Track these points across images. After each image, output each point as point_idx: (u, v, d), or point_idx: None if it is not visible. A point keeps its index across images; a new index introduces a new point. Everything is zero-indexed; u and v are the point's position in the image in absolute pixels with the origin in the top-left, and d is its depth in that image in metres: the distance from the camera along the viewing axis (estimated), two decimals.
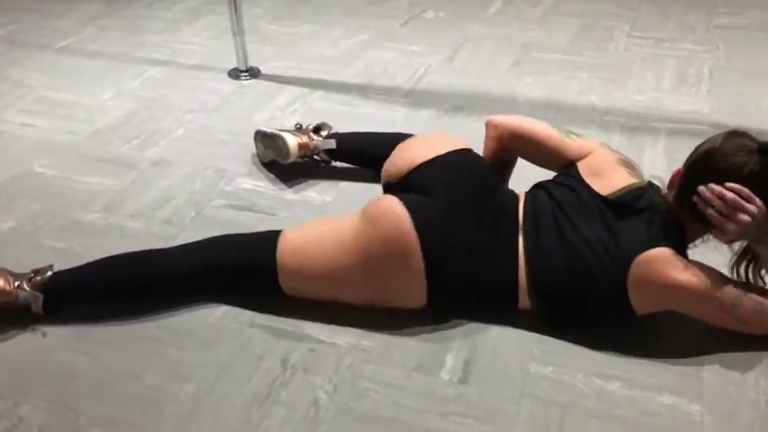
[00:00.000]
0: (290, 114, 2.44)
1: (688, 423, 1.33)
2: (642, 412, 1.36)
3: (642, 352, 1.48)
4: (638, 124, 2.32)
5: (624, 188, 1.53)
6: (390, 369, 1.46)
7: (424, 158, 1.63)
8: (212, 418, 1.37)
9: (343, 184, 2.07)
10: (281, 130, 2.11)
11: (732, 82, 2.57)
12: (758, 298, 1.42)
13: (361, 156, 2.11)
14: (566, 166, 1.64)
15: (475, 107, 2.45)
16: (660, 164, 2.11)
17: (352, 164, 2.14)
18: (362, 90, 2.61)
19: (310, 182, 2.08)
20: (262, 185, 2.08)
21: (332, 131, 2.11)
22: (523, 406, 1.37)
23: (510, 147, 1.74)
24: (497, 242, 1.54)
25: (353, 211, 1.60)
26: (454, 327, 1.56)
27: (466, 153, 1.67)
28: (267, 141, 2.14)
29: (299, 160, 2.08)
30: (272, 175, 2.11)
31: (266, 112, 2.48)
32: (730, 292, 1.41)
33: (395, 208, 1.50)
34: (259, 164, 2.17)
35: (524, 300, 1.53)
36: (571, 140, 1.67)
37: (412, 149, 1.70)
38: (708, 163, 1.42)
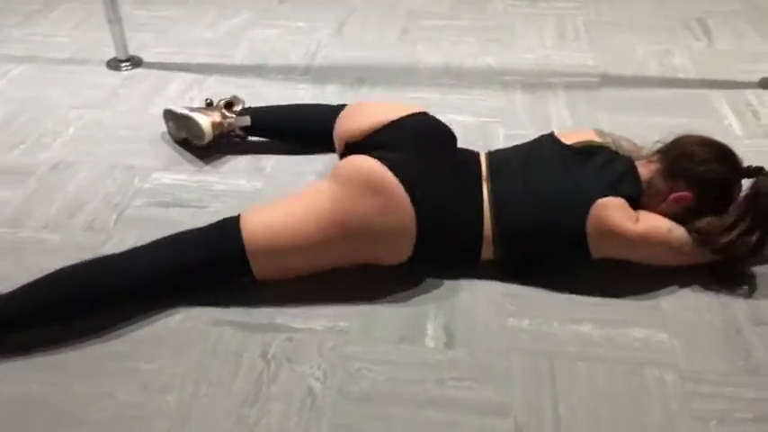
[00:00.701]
0: (189, 102, 2.32)
1: (661, 350, 1.43)
2: (619, 347, 1.44)
3: (602, 292, 1.56)
4: (535, 81, 2.42)
5: (588, 141, 1.61)
6: (374, 346, 1.45)
7: (386, 119, 1.61)
8: (206, 424, 1.30)
9: (269, 168, 2.00)
10: (191, 110, 2.01)
11: (606, 35, 2.73)
12: (692, 236, 1.53)
13: (281, 130, 2.07)
14: None
15: (377, 78, 2.45)
16: (564, 115, 2.22)
17: (269, 138, 2.09)
18: (258, 71, 2.52)
19: (231, 167, 2.00)
20: (182, 178, 1.97)
21: (245, 106, 2.04)
22: (513, 360, 1.41)
23: None
24: (463, 192, 1.56)
25: (316, 183, 1.57)
26: (423, 293, 1.56)
27: (424, 115, 1.67)
28: (179, 122, 2.04)
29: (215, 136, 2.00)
30: (189, 166, 2.00)
31: (161, 101, 2.33)
32: (679, 233, 1.52)
33: (374, 164, 1.49)
34: (173, 156, 2.05)
35: (487, 249, 1.56)
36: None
37: (372, 111, 1.68)
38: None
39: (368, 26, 2.84)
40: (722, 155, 1.57)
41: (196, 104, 2.21)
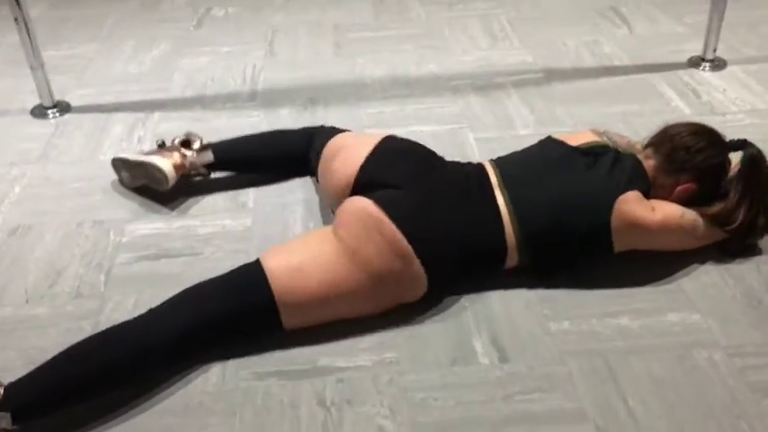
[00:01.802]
0: (138, 144, 2.18)
1: (700, 331, 1.48)
2: (660, 335, 1.48)
3: (625, 284, 1.59)
4: (483, 83, 2.45)
5: (591, 142, 1.64)
6: (430, 372, 1.42)
7: (364, 155, 1.58)
8: None
9: (251, 203, 1.91)
10: (146, 155, 1.89)
11: (533, 30, 2.80)
12: (703, 218, 1.61)
13: (248, 162, 1.99)
14: None
15: (328, 97, 2.39)
16: (524, 112, 2.26)
17: (235, 171, 2.00)
18: (201, 102, 2.41)
19: (209, 207, 1.90)
20: (160, 227, 1.84)
21: (203, 142, 1.94)
22: (570, 364, 1.42)
23: None
24: (477, 207, 1.56)
25: (324, 230, 1.52)
26: (456, 311, 1.54)
27: (394, 139, 1.65)
28: (134, 170, 1.91)
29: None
30: (161, 213, 1.88)
31: (108, 146, 2.18)
32: (691, 217, 1.59)
33: (367, 204, 1.47)
34: (139, 205, 1.91)
35: (512, 257, 1.57)
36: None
37: (344, 154, 1.65)
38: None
39: (298, 44, 2.78)
40: (712, 139, 1.64)
41: (147, 147, 2.08)
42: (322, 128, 1.97)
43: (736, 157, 1.64)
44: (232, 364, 1.45)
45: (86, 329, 1.54)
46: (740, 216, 1.57)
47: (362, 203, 1.49)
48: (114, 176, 2.01)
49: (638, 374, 1.39)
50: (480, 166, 1.66)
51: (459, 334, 1.50)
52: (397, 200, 1.50)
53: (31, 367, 1.33)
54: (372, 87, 2.45)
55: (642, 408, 1.33)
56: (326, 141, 1.79)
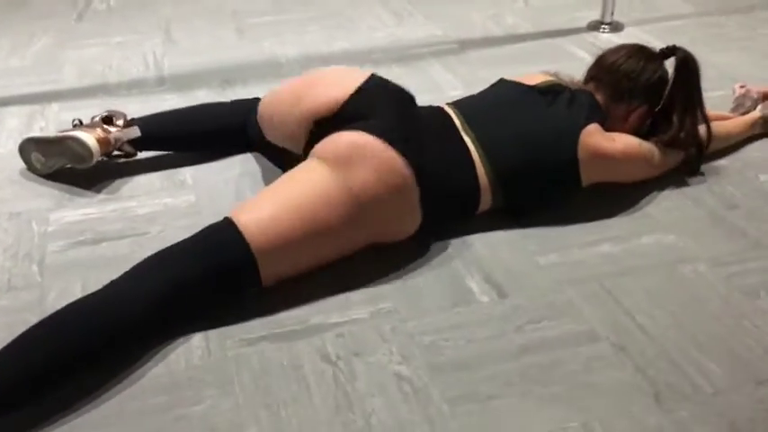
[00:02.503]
0: (42, 133, 1.95)
1: (678, 249, 1.50)
2: (643, 256, 1.49)
3: (596, 216, 1.60)
4: (400, 55, 2.42)
5: (547, 81, 1.63)
6: (433, 316, 1.34)
7: (352, 87, 1.49)
8: None
9: (190, 179, 1.75)
10: (64, 132, 1.69)
11: (435, 8, 2.81)
12: (658, 146, 1.65)
13: (180, 137, 1.82)
14: None
15: (245, 77, 2.27)
16: (449, 77, 2.24)
17: (165, 149, 1.83)
18: (105, 89, 2.21)
19: (143, 188, 1.72)
20: (91, 212, 1.65)
21: (128, 118, 1.77)
22: (568, 292, 1.39)
23: None
24: (449, 147, 1.51)
25: (304, 166, 1.41)
26: (443, 258, 1.48)
27: (376, 77, 1.57)
28: (51, 148, 1.70)
29: (100, 158, 1.70)
30: (87, 199, 1.69)
31: (6, 138, 1.94)
32: (647, 145, 1.62)
33: (363, 136, 1.38)
34: (57, 192, 1.71)
35: (485, 199, 1.53)
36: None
37: (331, 81, 1.54)
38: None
39: (196, 31, 2.63)
40: (647, 55, 1.67)
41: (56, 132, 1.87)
42: (256, 98, 1.85)
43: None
44: (213, 334, 1.30)
45: (31, 320, 1.30)
46: (689, 129, 1.62)
47: (356, 136, 1.38)
48: (21, 166, 1.79)
49: (634, 292, 1.39)
50: (440, 109, 1.61)
51: (450, 278, 1.43)
52: (386, 128, 1.41)
53: None
54: (288, 65, 2.35)
55: (650, 321, 1.32)
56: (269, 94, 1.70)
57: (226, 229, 1.32)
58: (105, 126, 1.71)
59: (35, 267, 1.48)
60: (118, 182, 1.75)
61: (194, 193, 1.71)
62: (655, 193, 1.67)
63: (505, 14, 2.74)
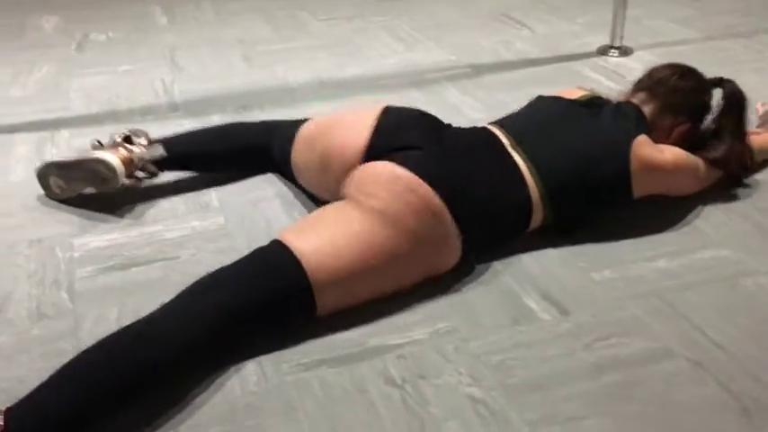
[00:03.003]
0: (62, 157, 1.87)
1: (734, 263, 1.46)
2: (701, 270, 1.44)
3: (645, 232, 1.55)
4: (416, 79, 2.38)
5: (586, 95, 1.61)
6: (495, 334, 1.27)
7: (371, 123, 1.45)
8: None
9: (215, 201, 1.68)
10: (85, 154, 1.62)
11: (441, 35, 2.79)
12: (703, 161, 1.62)
13: (206, 156, 1.76)
14: None
15: (259, 102, 2.22)
16: (467, 99, 2.21)
17: (188, 169, 1.77)
18: (116, 117, 2.13)
19: (167, 212, 1.65)
20: (116, 236, 1.56)
21: (150, 137, 1.69)
22: (631, 308, 1.33)
23: None
24: (498, 166, 1.46)
25: (348, 203, 1.35)
26: (492, 275, 1.42)
27: (395, 107, 1.53)
28: (72, 172, 1.63)
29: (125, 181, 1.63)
30: (110, 224, 1.61)
31: (18, 165, 1.86)
32: (694, 158, 1.59)
33: (395, 168, 1.34)
34: (79, 218, 1.62)
35: (536, 216, 1.48)
36: None
37: (345, 125, 1.49)
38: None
39: (204, 59, 2.57)
40: (698, 78, 1.67)
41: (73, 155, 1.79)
42: (282, 120, 1.79)
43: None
44: (266, 359, 1.22)
45: (67, 350, 1.24)
46: (738, 152, 1.60)
47: (386, 167, 1.35)
48: (36, 193, 1.70)
49: (700, 307, 1.34)
50: (485, 129, 1.56)
51: (505, 296, 1.37)
52: (421, 159, 1.37)
53: (13, 401, 1.03)
54: (302, 90, 2.30)
55: (722, 336, 1.27)
56: (297, 127, 1.63)
57: (281, 253, 1.25)
58: (127, 145, 1.64)
59: (65, 294, 1.39)
60: (140, 206, 1.67)
61: (222, 216, 1.63)
62: (699, 207, 1.64)
63: (514, 41, 2.73)
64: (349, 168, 1.44)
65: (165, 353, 1.10)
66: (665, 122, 1.62)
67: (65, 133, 2.02)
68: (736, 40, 2.71)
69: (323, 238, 1.27)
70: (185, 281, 1.24)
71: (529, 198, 1.46)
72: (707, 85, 1.68)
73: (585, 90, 1.67)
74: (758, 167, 1.78)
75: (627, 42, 2.65)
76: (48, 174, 1.65)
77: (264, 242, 1.46)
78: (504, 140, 1.52)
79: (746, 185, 1.71)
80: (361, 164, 1.42)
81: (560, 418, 1.10)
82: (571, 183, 1.48)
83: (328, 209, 1.36)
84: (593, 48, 2.64)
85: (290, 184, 1.75)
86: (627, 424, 1.10)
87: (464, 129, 1.58)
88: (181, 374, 1.15)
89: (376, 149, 1.42)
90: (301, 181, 1.64)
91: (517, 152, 1.49)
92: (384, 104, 1.53)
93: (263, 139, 1.75)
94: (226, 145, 1.76)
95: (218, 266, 1.42)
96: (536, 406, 1.13)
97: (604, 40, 2.65)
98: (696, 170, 1.60)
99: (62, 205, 1.67)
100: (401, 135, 1.43)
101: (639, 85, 1.70)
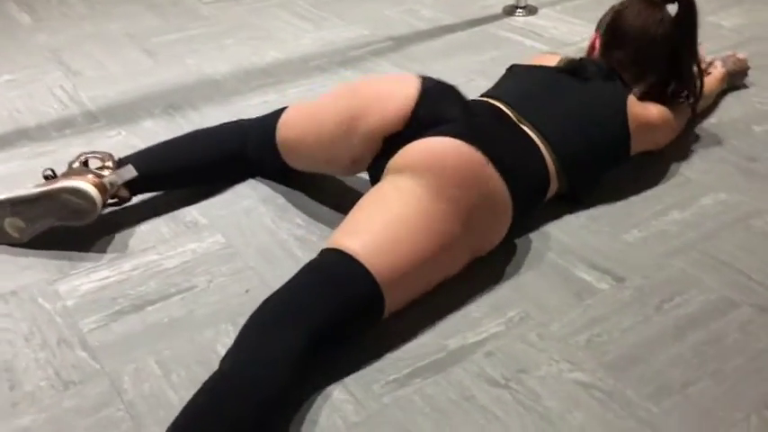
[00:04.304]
0: (16, 192, 1.60)
1: (737, 205, 1.53)
2: (712, 216, 1.50)
3: (641, 189, 1.59)
4: (342, 59, 2.26)
5: (562, 60, 1.60)
6: (567, 313, 1.25)
7: (414, 94, 1.33)
8: None
9: (202, 219, 1.51)
10: (47, 185, 1.39)
11: (342, 8, 2.68)
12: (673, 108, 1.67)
13: (180, 171, 1.56)
14: None
15: (188, 99, 2.01)
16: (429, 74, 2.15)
17: (161, 188, 1.58)
18: (29, 135, 1.85)
19: (152, 240, 1.46)
20: (108, 274, 1.36)
21: (114, 158, 1.49)
22: (675, 264, 1.36)
23: None
24: (517, 140, 1.42)
25: (391, 184, 1.26)
26: (532, 254, 1.39)
27: (429, 79, 1.40)
28: (36, 209, 1.39)
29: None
30: (92, 258, 1.40)
31: None
32: (669, 110, 1.63)
33: (454, 143, 1.26)
34: (56, 258, 1.40)
35: (553, 186, 1.47)
36: None
37: (387, 94, 1.36)
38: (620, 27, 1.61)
39: (96, 59, 2.29)
40: (655, 14, 1.62)
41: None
42: (252, 120, 1.63)
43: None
44: (350, 381, 1.12)
45: (120, 416, 1.06)
46: (697, 79, 1.66)
47: (437, 142, 1.26)
48: None
49: (732, 252, 1.39)
50: (488, 102, 1.51)
51: (555, 271, 1.35)
52: (468, 130, 1.29)
53: None
54: (229, 83, 2.12)
55: (764, 276, 1.33)
56: (276, 116, 1.51)
57: (342, 262, 1.14)
58: (93, 170, 1.42)
59: (82, 352, 1.19)
60: (117, 235, 1.46)
61: (218, 233, 1.47)
62: (676, 158, 1.70)
63: (418, 9, 2.68)
64: (381, 137, 1.34)
65: (260, 402, 0.98)
66: (640, 81, 1.64)
67: None
68: None
69: (377, 233, 1.18)
70: (214, 312, 1.13)
71: (546, 169, 1.44)
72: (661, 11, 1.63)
73: (557, 54, 1.66)
74: (705, 114, 1.88)
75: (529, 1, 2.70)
76: (1, 216, 1.40)
77: (279, 253, 1.38)
78: (509, 112, 1.48)
79: (705, 135, 1.81)
80: (408, 121, 1.32)
81: (676, 386, 1.11)
82: (582, 150, 1.48)
83: (372, 199, 1.26)
84: (499, 9, 2.66)
85: (270, 185, 1.62)
86: (736, 380, 1.12)
87: (476, 101, 1.51)
88: (276, 416, 1.03)
89: (419, 117, 1.33)
90: (294, 159, 1.51)
91: (523, 124, 1.46)
92: (420, 75, 1.41)
93: (235, 145, 1.59)
94: (199, 157, 1.57)
95: (243, 291, 1.31)
96: (645, 379, 1.12)
97: (505, 0, 2.69)
98: (673, 120, 1.65)
99: (21, 249, 1.43)
100: (443, 107, 1.34)
101: (609, 42, 1.69)
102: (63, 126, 1.90)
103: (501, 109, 1.48)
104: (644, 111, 1.55)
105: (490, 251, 1.34)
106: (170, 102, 2.01)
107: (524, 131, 1.45)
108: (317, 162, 1.47)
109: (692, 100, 1.67)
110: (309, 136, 1.44)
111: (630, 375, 1.13)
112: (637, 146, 1.56)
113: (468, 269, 1.32)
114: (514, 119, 1.47)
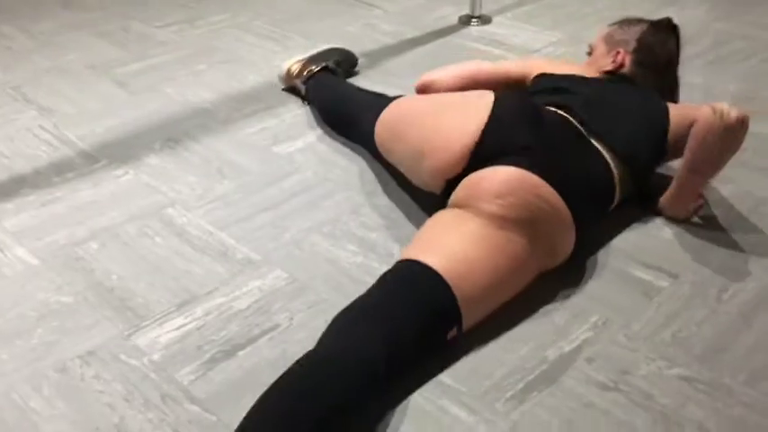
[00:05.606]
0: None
1: (737, 195, 1.67)
2: (725, 209, 1.62)
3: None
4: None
5: (581, 68, 1.69)
6: (645, 313, 1.34)
7: (478, 130, 1.37)
8: None
9: (249, 252, 1.49)
10: None
11: (298, 28, 2.68)
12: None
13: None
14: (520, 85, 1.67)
15: (187, 130, 1.96)
16: (387, 90, 2.18)
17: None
18: (27, 183, 1.75)
19: (204, 282, 1.42)
20: (183, 322, 1.33)
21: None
22: (716, 256, 1.48)
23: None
24: (585, 156, 1.45)
25: (459, 215, 1.32)
26: (592, 259, 1.47)
27: (500, 99, 1.43)
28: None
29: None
30: (159, 310, 1.35)
31: None
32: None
33: (522, 174, 1.32)
34: (117, 311, 1.34)
35: (618, 197, 1.52)
36: (508, 63, 1.69)
37: (450, 129, 1.40)
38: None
39: (66, 94, 2.18)
40: (667, 34, 1.75)
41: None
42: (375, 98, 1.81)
43: None
44: (469, 401, 1.15)
45: None
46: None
47: (503, 171, 1.32)
48: (33, 299, 1.36)
49: (760, 240, 1.53)
50: (557, 113, 1.51)
51: (615, 274, 1.44)
52: (534, 159, 1.34)
53: None
54: (221, 110, 2.08)
55: None
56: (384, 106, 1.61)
57: (420, 272, 1.20)
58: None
59: (193, 406, 1.15)
60: (172, 281, 1.42)
61: (277, 267, 1.46)
62: None
63: (377, 23, 2.72)
64: (450, 165, 1.38)
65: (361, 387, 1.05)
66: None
67: None
68: None
69: (452, 249, 1.24)
70: (306, 348, 1.14)
71: (613, 180, 1.48)
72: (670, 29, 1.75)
73: (566, 61, 1.75)
74: None
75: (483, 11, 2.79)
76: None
77: (346, 281, 1.40)
78: (578, 125, 1.51)
79: None
80: (466, 163, 1.37)
81: (765, 370, 1.21)
82: (647, 156, 1.54)
83: (442, 220, 1.31)
84: (454, 20, 2.74)
85: (315, 208, 1.62)
86: None
87: (549, 113, 1.50)
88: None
89: (480, 157, 1.37)
90: (387, 157, 1.60)
91: (589, 135, 1.50)
92: (493, 95, 1.44)
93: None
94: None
95: (324, 325, 1.32)
96: (737, 366, 1.22)
97: (457, 10, 2.77)
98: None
99: (71, 306, 1.36)
100: (511, 134, 1.38)
101: (642, 61, 1.71)
102: (62, 170, 1.80)
103: (569, 121, 1.50)
104: (681, 110, 1.60)
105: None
106: (167, 135, 1.95)
107: (592, 145, 1.48)
108: (404, 168, 1.53)
109: None
110: (396, 146, 1.51)
111: (722, 365, 1.23)
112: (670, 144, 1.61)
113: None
114: (584, 131, 1.50)
